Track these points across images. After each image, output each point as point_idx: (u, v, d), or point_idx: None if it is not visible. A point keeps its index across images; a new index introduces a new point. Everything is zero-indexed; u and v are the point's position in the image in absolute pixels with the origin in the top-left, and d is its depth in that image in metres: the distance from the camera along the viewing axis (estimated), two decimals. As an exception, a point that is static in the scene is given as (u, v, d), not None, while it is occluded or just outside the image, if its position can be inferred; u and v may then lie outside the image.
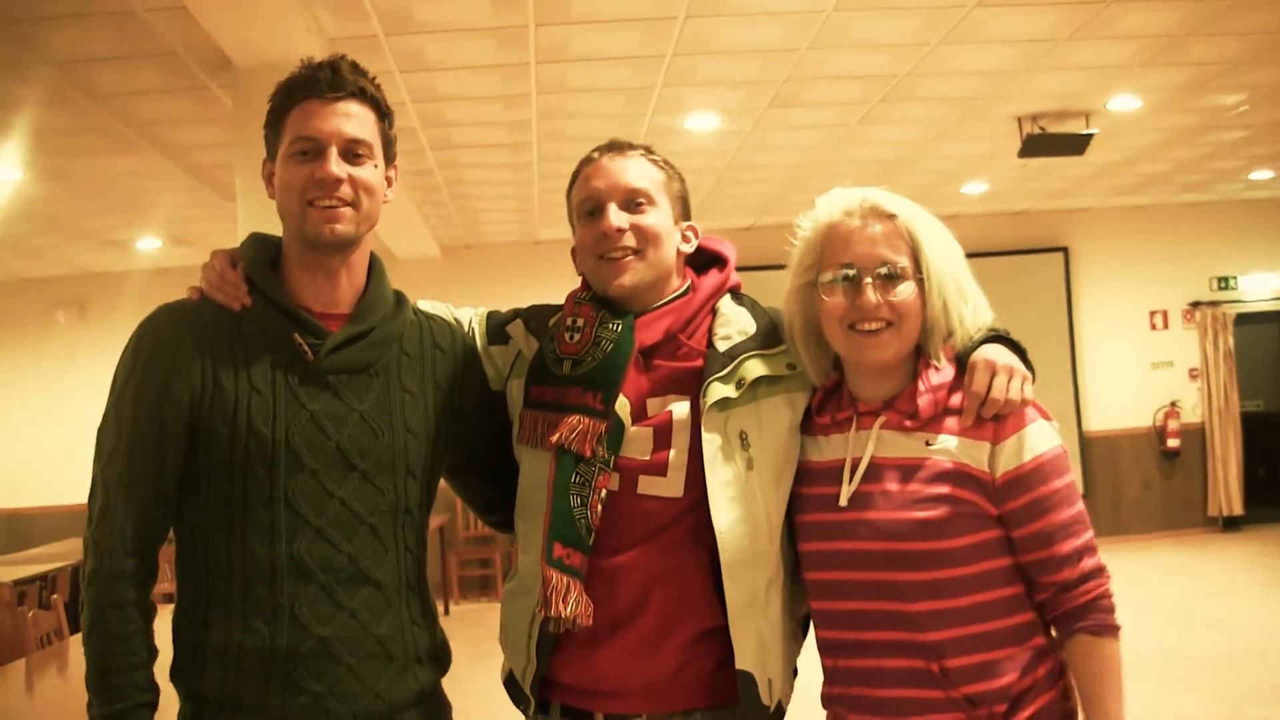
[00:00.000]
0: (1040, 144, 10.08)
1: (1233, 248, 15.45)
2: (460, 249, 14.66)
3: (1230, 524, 15.10)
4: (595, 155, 2.83)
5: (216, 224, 11.92)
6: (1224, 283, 15.45)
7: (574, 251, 2.90)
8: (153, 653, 2.44)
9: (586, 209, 2.79)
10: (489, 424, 2.87)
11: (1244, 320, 15.51)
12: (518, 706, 2.82)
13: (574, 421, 2.63)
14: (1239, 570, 12.56)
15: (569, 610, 2.55)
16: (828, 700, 2.66)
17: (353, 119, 2.56)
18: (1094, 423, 14.90)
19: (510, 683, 2.81)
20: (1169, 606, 10.70)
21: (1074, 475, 2.56)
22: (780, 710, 2.74)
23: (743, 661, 2.61)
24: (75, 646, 6.30)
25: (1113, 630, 2.49)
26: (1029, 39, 7.95)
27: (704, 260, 2.91)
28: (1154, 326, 15.33)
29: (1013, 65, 8.50)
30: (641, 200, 2.75)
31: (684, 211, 2.86)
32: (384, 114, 2.66)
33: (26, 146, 8.94)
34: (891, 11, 7.30)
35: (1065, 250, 15.12)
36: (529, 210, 12.80)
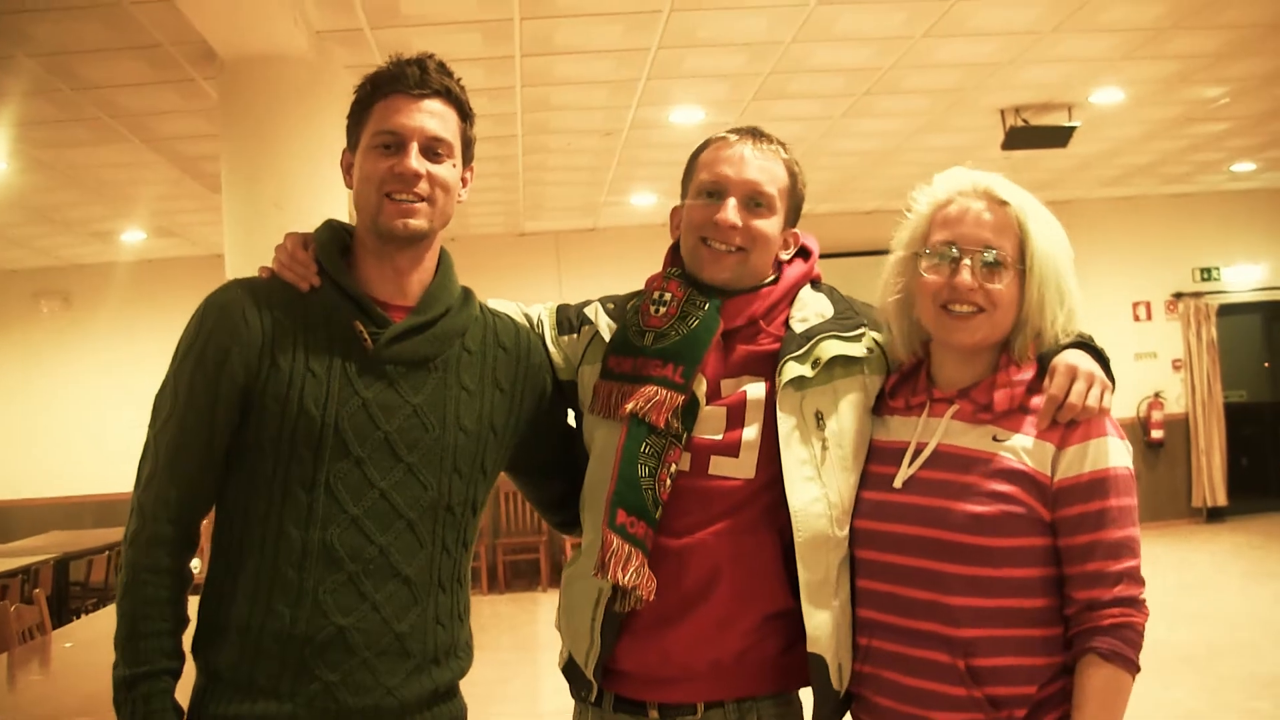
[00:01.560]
0: (1023, 136, 10.12)
1: (1215, 239, 15.50)
2: (444, 240, 14.54)
3: (1214, 515, 15.16)
4: (733, 138, 2.79)
5: (201, 215, 11.90)
6: (1207, 274, 15.50)
7: (675, 212, 2.88)
8: (182, 622, 2.46)
9: (708, 189, 2.75)
10: (554, 424, 2.88)
11: (1227, 311, 15.59)
12: (577, 694, 2.80)
13: (650, 391, 2.62)
14: (1224, 561, 12.60)
15: (627, 578, 2.53)
16: (858, 678, 2.64)
17: (436, 117, 2.58)
18: (1078, 414, 14.84)
19: (570, 669, 2.79)
20: (1154, 598, 10.35)
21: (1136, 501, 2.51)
22: (849, 697, 2.70)
23: (815, 645, 2.59)
24: (57, 641, 6.29)
25: (1126, 662, 2.41)
26: (1013, 31, 7.98)
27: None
28: (1137, 318, 15.38)
29: (996, 58, 8.53)
30: (763, 204, 2.73)
31: (794, 219, 2.85)
32: (466, 115, 2.68)
33: (11, 137, 8.94)
34: (876, 5, 7.32)
35: (1049, 242, 15.06)
36: (514, 203, 12.79)
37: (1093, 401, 2.48)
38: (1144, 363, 15.25)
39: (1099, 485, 2.45)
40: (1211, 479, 15.08)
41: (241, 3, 6.07)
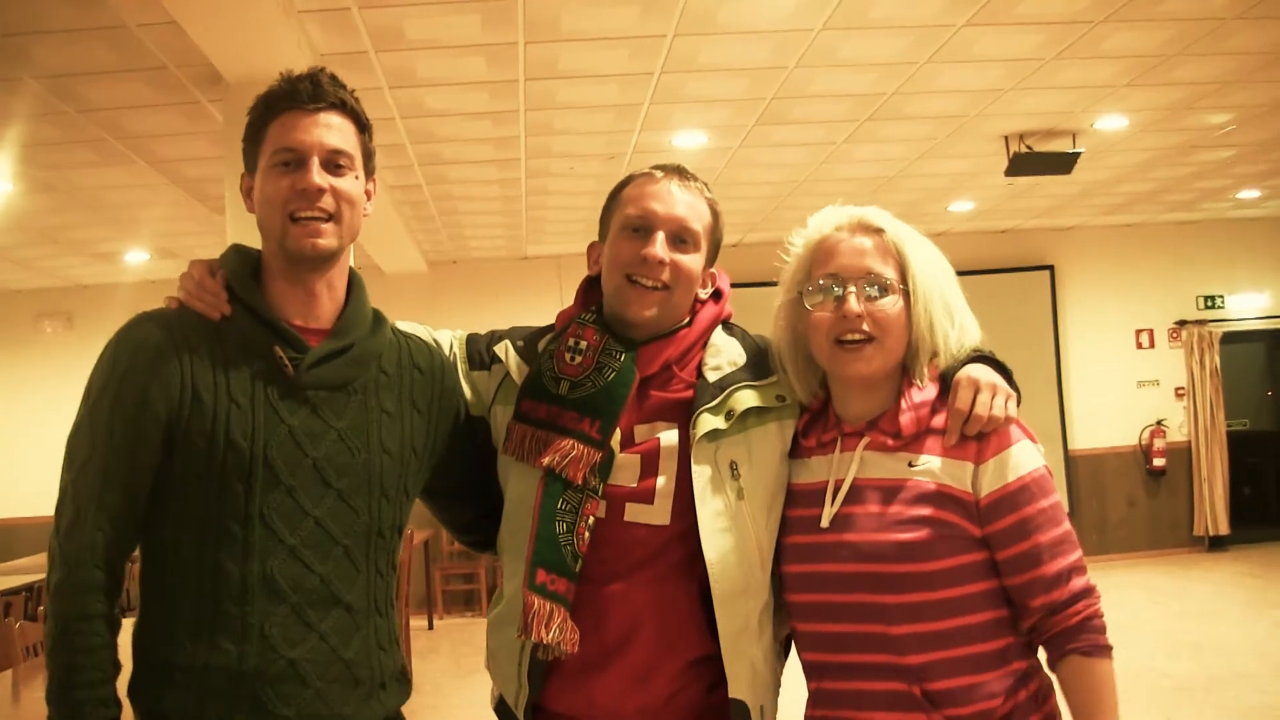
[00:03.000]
0: (1027, 163, 10.12)
1: (1219, 267, 15.50)
2: (447, 264, 14.67)
3: (1216, 543, 15.10)
4: (659, 174, 2.80)
5: (205, 237, 11.90)
6: (1210, 301, 15.49)
7: (593, 247, 2.89)
8: (116, 667, 2.38)
9: (634, 225, 2.75)
10: (467, 447, 2.85)
11: (1230, 339, 15.56)
12: None
13: (568, 446, 2.62)
14: (1225, 590, 12.56)
15: (551, 636, 2.54)
16: None
17: (334, 130, 2.53)
18: (1080, 441, 14.88)
19: (501, 708, 2.79)
20: (1155, 627, 10.68)
21: (1059, 495, 2.53)
22: None
23: (736, 690, 2.60)
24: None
25: (1105, 650, 2.45)
26: (1016, 58, 7.98)
27: None
28: (1140, 345, 15.35)
29: (1000, 84, 8.53)
30: (688, 240, 2.74)
31: (714, 258, 2.86)
32: (364, 127, 2.63)
33: (16, 159, 8.94)
34: (879, 31, 7.33)
35: (1051, 269, 15.14)
36: (516, 226, 12.80)
37: (998, 411, 2.51)
38: (1146, 390, 15.25)
39: (1023, 493, 2.48)
40: (1214, 508, 15.02)
41: (246, 26, 6.07)
